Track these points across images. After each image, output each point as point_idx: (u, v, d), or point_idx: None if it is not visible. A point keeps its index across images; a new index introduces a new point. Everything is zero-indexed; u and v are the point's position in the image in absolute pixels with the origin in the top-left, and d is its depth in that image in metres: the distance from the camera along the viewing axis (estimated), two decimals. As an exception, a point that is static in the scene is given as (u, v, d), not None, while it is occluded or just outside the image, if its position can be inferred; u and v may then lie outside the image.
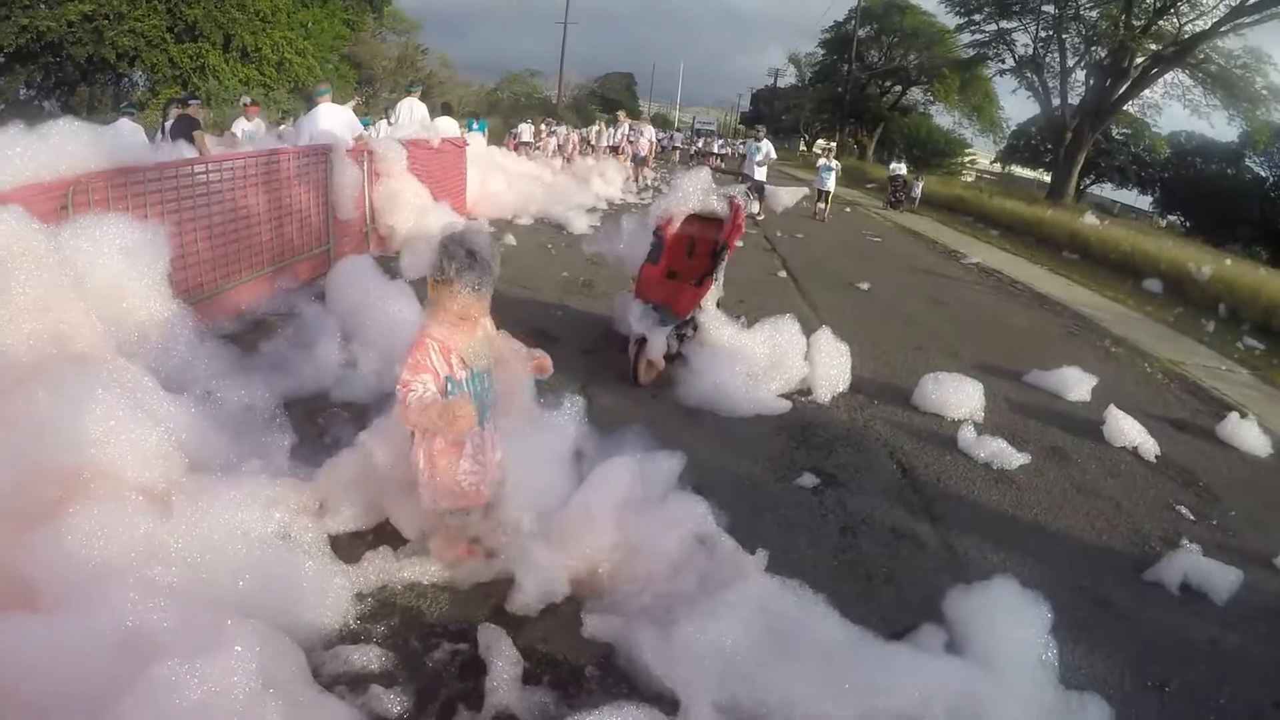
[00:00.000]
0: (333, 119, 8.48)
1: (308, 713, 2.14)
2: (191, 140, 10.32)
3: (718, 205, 6.38)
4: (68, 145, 4.46)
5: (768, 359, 5.75)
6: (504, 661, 2.64)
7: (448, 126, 12.99)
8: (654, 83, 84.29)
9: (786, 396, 5.60)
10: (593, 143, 25.14)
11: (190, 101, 12.31)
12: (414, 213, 8.95)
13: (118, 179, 4.76)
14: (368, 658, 2.62)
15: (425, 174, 9.73)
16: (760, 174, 16.92)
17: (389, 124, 13.87)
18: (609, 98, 65.28)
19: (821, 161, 19.82)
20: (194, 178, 5.59)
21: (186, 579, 2.50)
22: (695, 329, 5.88)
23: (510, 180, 13.81)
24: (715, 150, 38.57)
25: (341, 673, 2.54)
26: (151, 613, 2.19)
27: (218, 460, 3.30)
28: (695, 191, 6.44)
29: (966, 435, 5.23)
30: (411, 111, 12.45)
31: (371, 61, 36.99)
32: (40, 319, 3.14)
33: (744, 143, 23.53)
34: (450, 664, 2.69)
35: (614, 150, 23.65)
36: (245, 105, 13.46)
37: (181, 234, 5.22)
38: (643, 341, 5.50)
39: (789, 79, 69.44)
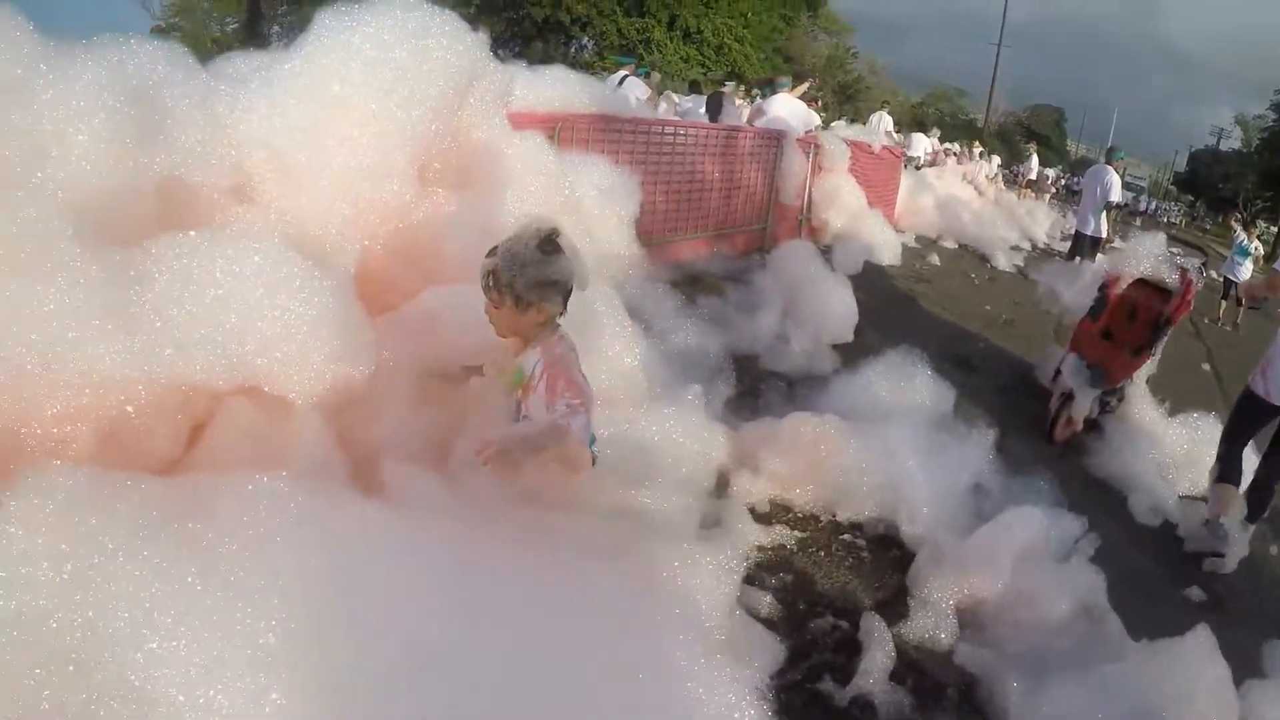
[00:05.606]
0: (788, 108, 8.88)
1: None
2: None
3: (1168, 275, 5.91)
4: (559, 86, 5.07)
5: (1183, 455, 5.24)
6: (880, 652, 2.70)
7: (921, 142, 15.52)
8: (1084, 122, 74.13)
9: (1191, 498, 5.04)
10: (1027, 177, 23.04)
11: (726, 84, 13.54)
12: (847, 212, 9.15)
13: (599, 124, 5.38)
14: (757, 600, 2.83)
15: (863, 177, 9.87)
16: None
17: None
18: (1035, 131, 59.75)
19: (1240, 238, 13.70)
20: (662, 136, 6.20)
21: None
22: (1120, 400, 5.55)
23: (939, 201, 13.53)
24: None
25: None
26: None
27: (661, 391, 3.57)
28: (1147, 255, 6.06)
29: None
30: (880, 121, 14.84)
31: (802, 57, 37.66)
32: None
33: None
34: (829, 634, 2.82)
35: (1032, 185, 22.10)
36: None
37: (643, 183, 5.72)
38: (1067, 397, 5.27)
39: (1233, 141, 57.82)
